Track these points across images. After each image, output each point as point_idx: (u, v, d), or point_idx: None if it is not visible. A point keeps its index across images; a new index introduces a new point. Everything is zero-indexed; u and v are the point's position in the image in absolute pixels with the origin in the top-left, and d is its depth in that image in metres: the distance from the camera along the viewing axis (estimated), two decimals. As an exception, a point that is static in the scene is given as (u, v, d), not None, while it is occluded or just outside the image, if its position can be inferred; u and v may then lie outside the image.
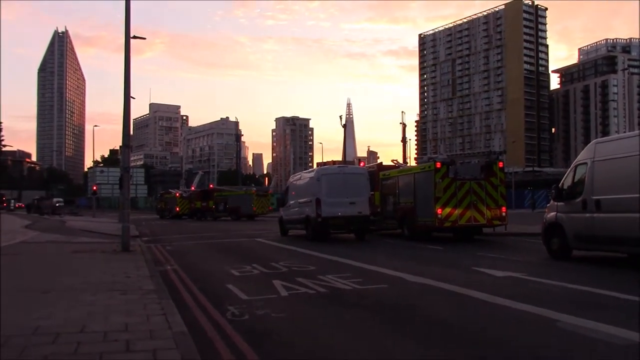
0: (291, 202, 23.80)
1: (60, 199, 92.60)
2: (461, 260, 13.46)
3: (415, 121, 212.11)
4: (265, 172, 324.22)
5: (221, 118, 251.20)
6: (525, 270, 11.19)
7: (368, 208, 20.88)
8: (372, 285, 9.65)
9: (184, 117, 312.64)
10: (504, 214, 19.80)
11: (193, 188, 65.19)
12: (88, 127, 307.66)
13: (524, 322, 6.70)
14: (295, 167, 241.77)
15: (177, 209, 56.71)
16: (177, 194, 59.30)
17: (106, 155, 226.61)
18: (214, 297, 8.92)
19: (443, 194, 19.48)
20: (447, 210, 19.32)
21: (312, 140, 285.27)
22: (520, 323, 6.65)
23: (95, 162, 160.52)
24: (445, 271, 11.41)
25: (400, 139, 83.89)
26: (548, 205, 14.21)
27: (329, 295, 8.74)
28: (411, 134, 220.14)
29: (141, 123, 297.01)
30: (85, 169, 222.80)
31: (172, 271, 12.47)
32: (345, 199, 20.56)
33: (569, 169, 13.52)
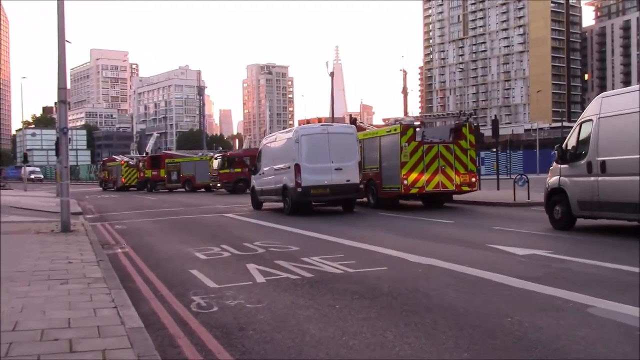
0: (265, 169, 24.09)
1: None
2: (469, 235, 13.61)
3: (419, 67, 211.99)
4: (235, 132, 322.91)
5: (180, 66, 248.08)
6: (538, 243, 11.35)
7: (358, 175, 21.35)
8: (368, 267, 9.74)
9: (134, 66, 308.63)
10: (473, 179, 22.31)
11: (147, 154, 65.39)
12: (15, 80, 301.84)
13: (552, 308, 6.81)
14: (273, 125, 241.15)
15: (123, 179, 57.38)
16: (123, 162, 59.76)
17: (38, 115, 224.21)
18: (175, 285, 8.95)
19: (409, 158, 21.56)
20: (414, 176, 21.56)
21: (292, 92, 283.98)
22: (546, 310, 6.76)
23: (25, 123, 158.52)
24: (453, 248, 11.59)
25: (401, 89, 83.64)
26: (551, 168, 14.83)
27: (316, 281, 8.82)
28: (414, 84, 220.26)
29: (81, 74, 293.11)
30: (13, 132, 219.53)
31: (123, 255, 12.51)
32: (329, 164, 20.98)
33: (574, 127, 14.10)
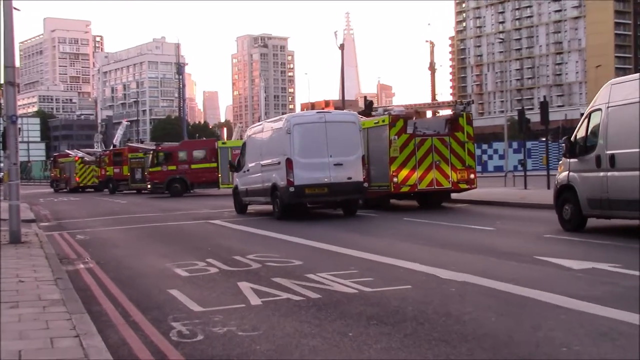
0: (250, 165, 24.71)
1: None
2: (512, 244, 13.59)
3: (450, 38, 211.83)
4: (223, 119, 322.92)
5: (154, 39, 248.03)
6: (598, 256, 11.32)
7: (361, 171, 21.99)
8: (388, 286, 9.75)
9: (98, 39, 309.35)
10: (472, 176, 24.13)
11: (115, 146, 65.88)
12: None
13: (618, 335, 6.79)
14: (269, 111, 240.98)
15: (77, 178, 58.57)
16: (77, 158, 60.65)
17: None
18: (151, 308, 8.97)
19: (399, 153, 23.24)
20: (405, 172, 23.19)
21: (292, 69, 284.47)
22: (610, 337, 6.74)
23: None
24: (492, 261, 11.62)
25: (428, 65, 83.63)
26: (560, 162, 16.15)
27: (324, 303, 8.82)
28: (443, 58, 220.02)
29: (33, 49, 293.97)
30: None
31: (86, 271, 12.55)
32: (327, 158, 21.53)
33: (583, 116, 15.32)
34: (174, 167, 43.47)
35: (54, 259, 13.31)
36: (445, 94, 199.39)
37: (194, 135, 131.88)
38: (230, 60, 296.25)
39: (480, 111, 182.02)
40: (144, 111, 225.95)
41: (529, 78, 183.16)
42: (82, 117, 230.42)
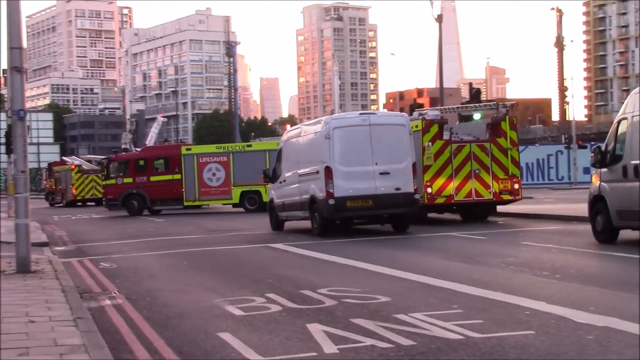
0: (287, 174, 26.98)
1: None
2: None
3: (583, 4, 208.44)
4: (285, 114, 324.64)
5: (197, 11, 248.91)
6: None
7: (411, 181, 23.94)
8: (504, 331, 9.68)
9: (125, 12, 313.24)
10: (516, 186, 27.24)
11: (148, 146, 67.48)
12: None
13: None
14: (345, 103, 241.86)
15: (73, 190, 61.39)
16: (73, 166, 63.41)
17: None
18: (195, 357, 9.08)
19: (434, 161, 26.31)
20: (440, 182, 26.27)
21: (375, 49, 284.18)
22: None
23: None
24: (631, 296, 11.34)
25: (554, 41, 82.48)
26: (593, 172, 19.60)
27: (419, 352, 8.80)
28: (575, 32, 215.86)
29: (43, 24, 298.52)
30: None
31: (114, 309, 12.73)
32: (372, 166, 23.46)
33: (612, 125, 18.58)
34: (130, 180, 44.78)
35: (72, 293, 13.45)
36: (577, 77, 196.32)
37: (248, 134, 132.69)
38: (295, 38, 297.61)
39: (623, 100, 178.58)
40: (184, 104, 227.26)
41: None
42: (107, 111, 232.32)
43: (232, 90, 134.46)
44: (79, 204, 60.97)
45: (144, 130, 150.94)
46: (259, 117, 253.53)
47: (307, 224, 26.45)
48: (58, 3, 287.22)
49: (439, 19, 65.15)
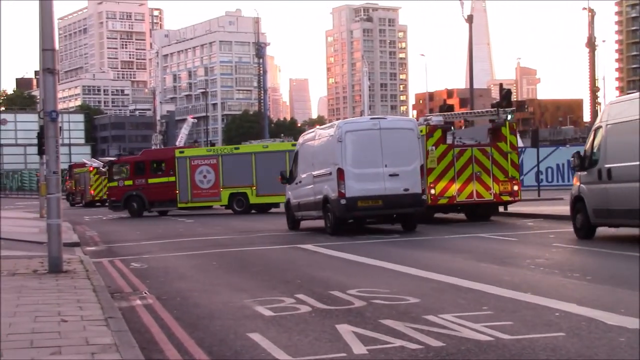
0: (302, 176, 28.75)
1: None
2: None
3: (616, 4, 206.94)
4: (315, 115, 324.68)
5: (227, 12, 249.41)
6: None
7: (419, 182, 25.56)
8: (534, 333, 9.65)
9: (156, 13, 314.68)
10: (516, 187, 29.70)
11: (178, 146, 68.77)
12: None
13: None
14: (375, 104, 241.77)
15: (92, 191, 64.73)
16: (92, 168, 66.30)
17: (9, 92, 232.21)
18: (225, 357, 9.14)
19: (437, 164, 28.45)
20: (442, 184, 28.45)
21: (405, 50, 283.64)
22: None
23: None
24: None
25: (585, 41, 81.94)
26: (575, 175, 22.22)
27: (449, 354, 8.81)
28: (608, 31, 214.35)
29: (74, 26, 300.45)
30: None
31: (144, 309, 12.82)
32: (382, 168, 25.04)
33: (590, 132, 21.39)
34: (130, 182, 46.27)
35: (103, 293, 13.56)
36: (609, 77, 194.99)
37: (278, 135, 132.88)
38: (324, 39, 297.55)
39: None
40: (214, 105, 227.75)
41: None
42: (137, 112, 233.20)
43: (262, 91, 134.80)
44: (98, 204, 62.84)
45: (174, 131, 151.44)
46: (289, 118, 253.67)
47: (321, 223, 27.15)
48: (89, 5, 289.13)
49: (469, 19, 64.98)
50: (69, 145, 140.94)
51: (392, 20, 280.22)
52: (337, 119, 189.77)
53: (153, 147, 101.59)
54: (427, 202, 26.63)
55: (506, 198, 29.50)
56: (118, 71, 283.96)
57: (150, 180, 46.18)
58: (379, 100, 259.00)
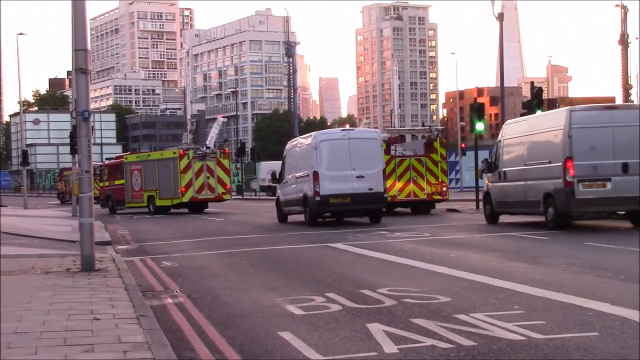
0: (288, 177, 34.08)
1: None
2: None
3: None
4: (345, 114, 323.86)
5: (257, 12, 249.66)
6: None
7: (382, 183, 30.78)
8: (567, 332, 9.63)
9: (186, 13, 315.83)
10: (444, 189, 38.51)
11: (208, 148, 68.95)
12: (7, 38, 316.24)
13: None
14: (404, 102, 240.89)
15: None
16: (77, 171, 67.17)
17: (42, 91, 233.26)
18: (256, 355, 9.18)
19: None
20: (386, 185, 32.45)
21: (435, 49, 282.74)
22: None
23: (24, 104, 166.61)
24: None
25: (618, 39, 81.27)
26: (485, 176, 30.55)
27: (480, 353, 8.80)
28: None
29: (106, 27, 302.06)
30: (6, 118, 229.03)
31: (176, 307, 12.89)
32: (350, 171, 30.09)
33: (495, 144, 29.76)
34: (107, 184, 53.01)
35: (135, 292, 13.67)
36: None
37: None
38: (354, 38, 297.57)
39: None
40: (244, 104, 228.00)
41: None
42: (168, 112, 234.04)
43: (292, 91, 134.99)
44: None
45: (205, 130, 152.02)
46: (318, 117, 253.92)
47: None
48: (121, 5, 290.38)
49: (500, 17, 64.31)
50: (101, 144, 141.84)
51: (422, 18, 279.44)
52: (367, 118, 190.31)
53: (184, 146, 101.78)
54: (388, 199, 32.36)
55: (437, 197, 37.93)
56: (149, 71, 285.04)
57: (116, 182, 52.86)
58: (408, 99, 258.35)
